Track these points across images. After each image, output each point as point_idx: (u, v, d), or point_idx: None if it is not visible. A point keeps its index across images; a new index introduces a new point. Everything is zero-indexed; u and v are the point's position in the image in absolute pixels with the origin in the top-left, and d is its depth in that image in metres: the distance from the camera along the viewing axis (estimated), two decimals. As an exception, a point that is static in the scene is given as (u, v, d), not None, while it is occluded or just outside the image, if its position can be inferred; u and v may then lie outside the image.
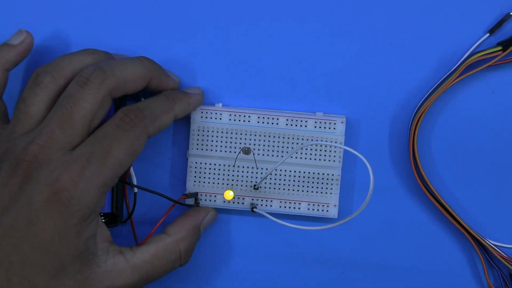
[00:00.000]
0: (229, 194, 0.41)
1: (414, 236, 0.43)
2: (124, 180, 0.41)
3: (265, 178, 0.41)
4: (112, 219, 0.41)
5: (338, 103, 0.43)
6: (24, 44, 0.41)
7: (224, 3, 0.43)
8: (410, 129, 0.42)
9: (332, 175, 0.42)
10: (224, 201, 0.42)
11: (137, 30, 0.43)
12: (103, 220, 0.41)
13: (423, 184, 0.42)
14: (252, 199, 0.41)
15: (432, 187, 0.42)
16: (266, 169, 0.41)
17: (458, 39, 0.43)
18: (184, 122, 0.43)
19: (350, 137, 0.43)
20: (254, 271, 0.43)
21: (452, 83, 0.42)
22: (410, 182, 0.43)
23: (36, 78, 0.37)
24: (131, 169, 0.42)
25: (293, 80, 0.43)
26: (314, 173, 0.41)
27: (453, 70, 0.42)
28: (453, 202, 0.43)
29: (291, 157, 0.41)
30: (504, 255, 0.42)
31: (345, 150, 0.42)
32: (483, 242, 0.42)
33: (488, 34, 0.43)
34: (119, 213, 0.42)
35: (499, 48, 0.42)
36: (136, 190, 0.42)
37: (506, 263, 0.42)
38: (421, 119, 0.42)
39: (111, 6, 0.43)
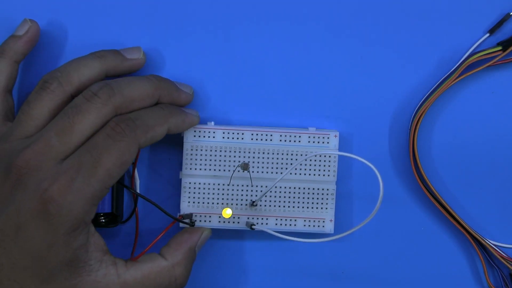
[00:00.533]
0: (226, 213, 0.40)
1: (414, 236, 0.43)
2: (127, 187, 0.40)
3: (266, 192, 0.40)
4: (112, 219, 0.41)
5: (339, 102, 0.43)
6: (29, 33, 0.41)
7: (218, 20, 0.43)
8: (410, 129, 0.42)
9: (327, 189, 0.41)
10: (219, 221, 0.41)
11: (136, 37, 0.43)
12: (103, 220, 0.41)
13: (423, 184, 0.42)
14: (248, 218, 0.41)
15: (432, 187, 0.42)
16: (261, 186, 0.41)
17: (458, 39, 0.43)
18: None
19: (349, 139, 0.43)
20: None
21: (452, 83, 0.42)
22: (410, 182, 0.43)
23: (43, 83, 0.37)
24: (136, 173, 0.42)
25: (287, 94, 0.43)
26: (309, 188, 0.41)
27: (453, 70, 0.42)
28: (453, 202, 0.43)
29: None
30: (504, 255, 0.42)
31: (339, 163, 0.42)
32: (483, 242, 0.42)
33: (488, 34, 0.43)
34: (119, 213, 0.42)
35: (499, 48, 0.42)
36: (137, 191, 0.42)
37: (506, 263, 0.42)
38: (421, 119, 0.42)
39: (118, 8, 0.43)
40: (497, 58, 0.42)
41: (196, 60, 0.43)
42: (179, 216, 0.40)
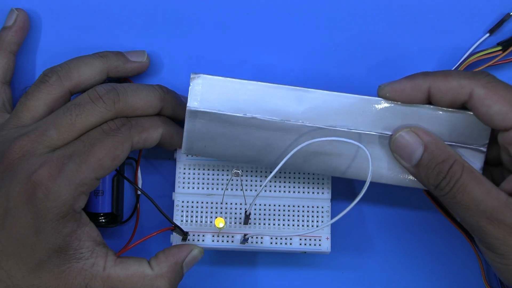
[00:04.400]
0: (219, 225, 0.40)
1: (413, 236, 0.43)
2: (131, 181, 0.40)
3: (260, 192, 0.39)
4: (112, 219, 0.41)
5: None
6: (19, 21, 0.42)
7: (218, 31, 0.43)
8: (410, 129, 0.42)
9: (322, 207, 0.41)
10: (213, 240, 0.40)
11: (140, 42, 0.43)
12: (103, 221, 0.41)
13: (423, 184, 0.42)
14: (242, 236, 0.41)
15: (432, 187, 0.42)
16: (255, 204, 0.40)
17: (458, 39, 0.43)
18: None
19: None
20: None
21: (452, 83, 0.42)
22: (410, 182, 0.43)
23: (43, 77, 0.38)
24: (139, 172, 0.42)
25: None
26: (303, 206, 0.41)
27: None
28: (453, 202, 0.43)
29: (279, 191, 0.41)
30: (503, 255, 0.42)
31: (333, 180, 0.41)
32: (483, 242, 0.42)
33: (488, 34, 0.43)
34: (119, 213, 0.42)
35: (499, 48, 0.42)
36: (139, 192, 0.42)
37: (505, 263, 0.42)
38: (421, 119, 0.42)
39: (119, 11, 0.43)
40: (497, 58, 0.42)
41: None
42: (173, 226, 0.40)
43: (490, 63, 0.42)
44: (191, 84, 0.37)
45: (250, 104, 0.37)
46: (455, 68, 0.42)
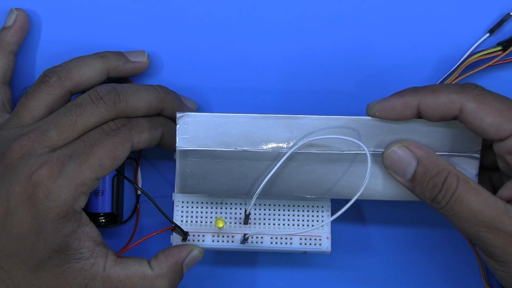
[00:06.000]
0: (219, 225, 0.39)
1: (413, 236, 0.43)
2: (131, 181, 0.40)
3: (258, 193, 0.38)
4: (112, 219, 0.41)
5: (340, 101, 0.43)
6: (18, 21, 0.42)
7: (217, 33, 0.43)
8: (410, 129, 0.42)
9: (322, 206, 0.41)
10: (213, 240, 0.40)
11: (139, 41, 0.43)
12: (103, 221, 0.41)
13: (423, 184, 0.42)
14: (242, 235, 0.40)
15: (432, 187, 0.42)
16: (255, 204, 0.40)
17: (458, 39, 0.43)
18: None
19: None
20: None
21: (452, 83, 0.42)
22: (410, 182, 0.43)
23: (43, 77, 0.38)
24: (139, 172, 0.42)
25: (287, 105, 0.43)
26: (303, 205, 0.41)
27: (453, 70, 0.42)
28: (452, 202, 0.43)
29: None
30: (503, 255, 0.42)
31: None
32: (483, 242, 0.42)
33: (488, 34, 0.43)
34: (119, 213, 0.42)
35: (499, 48, 0.42)
36: (139, 192, 0.42)
37: (505, 263, 0.42)
38: (421, 119, 0.42)
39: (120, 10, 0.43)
40: (497, 58, 0.42)
41: (194, 74, 0.43)
42: (173, 226, 0.39)
43: (490, 63, 0.42)
44: (178, 123, 0.37)
45: (240, 137, 0.37)
46: (455, 68, 0.42)
